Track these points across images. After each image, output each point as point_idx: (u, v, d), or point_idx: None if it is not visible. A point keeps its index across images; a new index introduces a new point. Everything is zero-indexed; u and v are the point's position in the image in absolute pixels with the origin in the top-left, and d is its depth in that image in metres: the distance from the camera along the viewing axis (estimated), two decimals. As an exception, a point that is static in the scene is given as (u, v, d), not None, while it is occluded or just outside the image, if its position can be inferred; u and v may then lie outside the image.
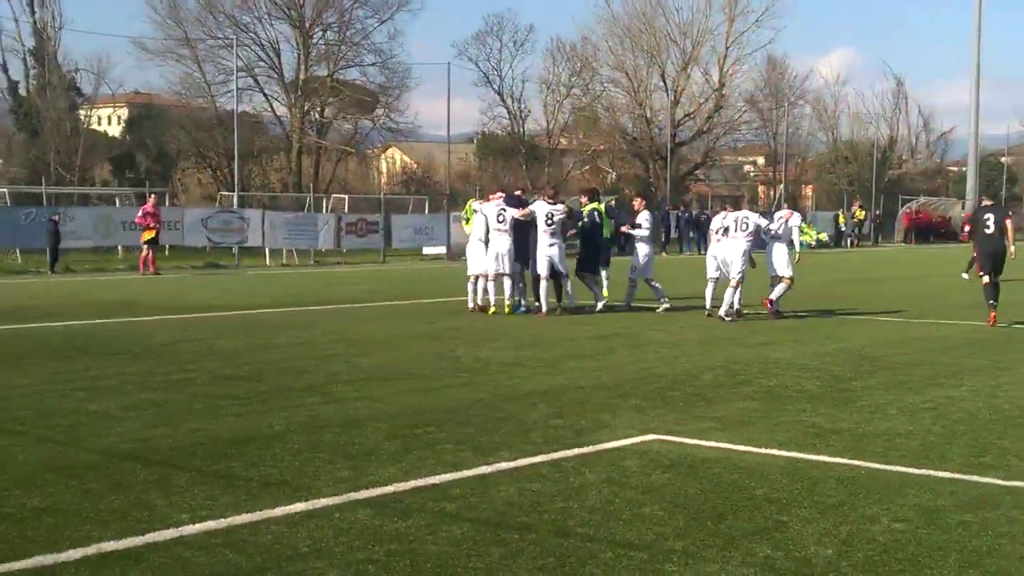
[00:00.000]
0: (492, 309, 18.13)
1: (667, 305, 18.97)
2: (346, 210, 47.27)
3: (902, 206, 64.13)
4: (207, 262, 35.96)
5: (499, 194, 19.27)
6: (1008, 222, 17.40)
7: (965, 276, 24.36)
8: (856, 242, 59.15)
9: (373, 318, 17.94)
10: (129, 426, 8.87)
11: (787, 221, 18.05)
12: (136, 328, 16.29)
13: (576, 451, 7.97)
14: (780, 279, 17.80)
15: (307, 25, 54.45)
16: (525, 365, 12.40)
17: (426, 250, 43.29)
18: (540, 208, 18.46)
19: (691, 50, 65.41)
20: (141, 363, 12.44)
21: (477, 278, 18.53)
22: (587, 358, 12.95)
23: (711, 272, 18.19)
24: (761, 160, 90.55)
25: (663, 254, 46.15)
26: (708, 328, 16.33)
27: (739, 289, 17.64)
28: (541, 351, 13.59)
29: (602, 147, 70.21)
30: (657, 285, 19.24)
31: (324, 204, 48.65)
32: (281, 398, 10.21)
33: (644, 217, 19.48)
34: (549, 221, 18.35)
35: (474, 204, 19.43)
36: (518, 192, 21.08)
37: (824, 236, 56.52)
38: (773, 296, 17.84)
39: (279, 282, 28.11)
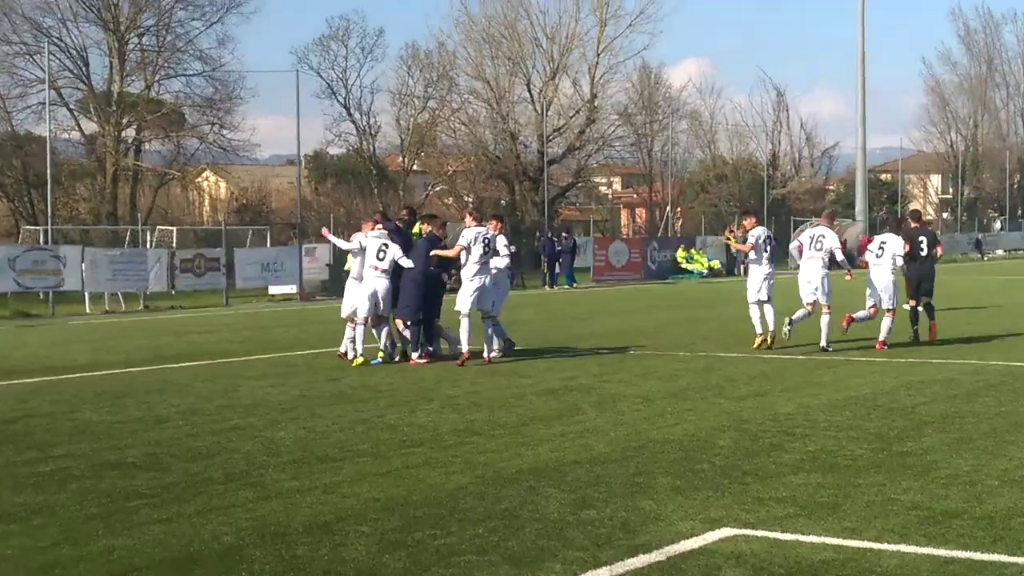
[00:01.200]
0: (358, 359, 17.33)
1: None
2: (174, 244, 45.13)
3: (793, 228, 64.75)
4: (14, 310, 33.53)
5: (376, 222, 18.40)
6: (939, 247, 18.75)
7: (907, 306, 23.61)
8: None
9: (255, 376, 16.46)
10: (18, 546, 7.26)
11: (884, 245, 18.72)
12: (-38, 399, 14.42)
13: (647, 558, 6.76)
14: (882, 310, 18.64)
15: (122, 28, 52.03)
16: (485, 433, 11.16)
17: (273, 289, 41.49)
18: (469, 234, 17.48)
19: (559, 57, 65.12)
20: (-10, 449, 10.73)
21: (352, 321, 17.76)
22: (555, 421, 11.80)
23: (807, 296, 18.49)
24: (617, 183, 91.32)
25: (552, 288, 45.33)
26: (665, 376, 15.35)
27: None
28: (492, 414, 12.38)
29: (460, 167, 69.28)
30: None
31: (147, 238, 46.38)
32: (203, 494, 8.72)
33: (756, 234, 19.31)
34: (486, 249, 17.47)
35: (358, 235, 18.15)
36: (402, 218, 19.71)
37: (716, 263, 56.59)
38: (882, 335, 18.56)
39: (111, 333, 26.17)
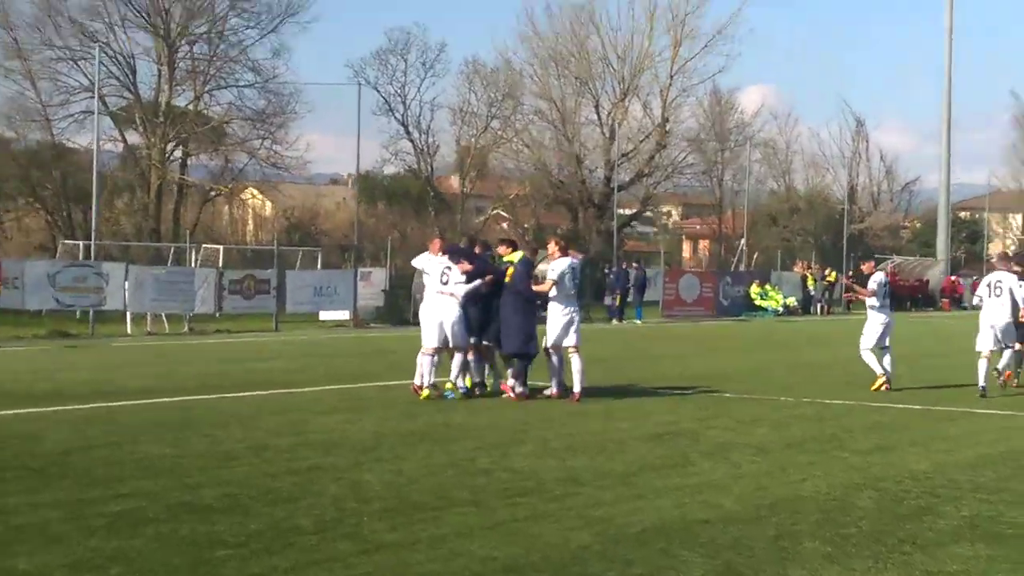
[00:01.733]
0: (425, 392, 17.07)
1: None
2: (220, 264, 44.93)
3: (862, 264, 63.99)
4: (51, 329, 33.38)
5: (437, 243, 18.16)
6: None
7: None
8: (828, 308, 58.58)
9: (325, 410, 16.00)
10: (100, 601, 6.79)
11: None
12: (6, 429, 14.03)
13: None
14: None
15: (173, 35, 52.10)
16: (592, 483, 10.62)
17: (324, 315, 41.20)
18: (560, 265, 17.20)
19: (630, 78, 64.65)
20: (51, 486, 10.30)
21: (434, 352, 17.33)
22: (667, 471, 11.25)
23: (986, 345, 18.69)
24: (675, 212, 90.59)
25: (621, 322, 44.74)
26: (774, 424, 14.79)
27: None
28: (594, 461, 11.85)
29: (521, 191, 68.93)
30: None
31: (191, 256, 46.25)
32: (294, 546, 8.25)
33: (877, 280, 19.77)
34: (575, 281, 17.31)
35: (423, 256, 18.04)
36: (464, 243, 19.35)
37: (792, 301, 55.82)
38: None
39: (159, 358, 25.89)
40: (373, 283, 42.25)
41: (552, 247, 17.82)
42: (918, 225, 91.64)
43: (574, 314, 17.33)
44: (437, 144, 64.64)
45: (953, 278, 67.96)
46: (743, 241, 61.93)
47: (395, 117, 62.40)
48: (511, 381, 17.25)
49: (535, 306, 17.46)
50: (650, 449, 12.68)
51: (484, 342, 17.70)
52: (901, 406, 17.06)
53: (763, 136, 77.26)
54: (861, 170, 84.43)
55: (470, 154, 63.95)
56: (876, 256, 65.12)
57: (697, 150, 71.55)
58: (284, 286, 39.34)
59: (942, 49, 76.01)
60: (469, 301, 17.36)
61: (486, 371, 17.96)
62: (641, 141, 65.91)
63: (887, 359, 19.23)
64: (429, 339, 17.29)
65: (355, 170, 47.37)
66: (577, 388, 17.03)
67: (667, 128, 66.84)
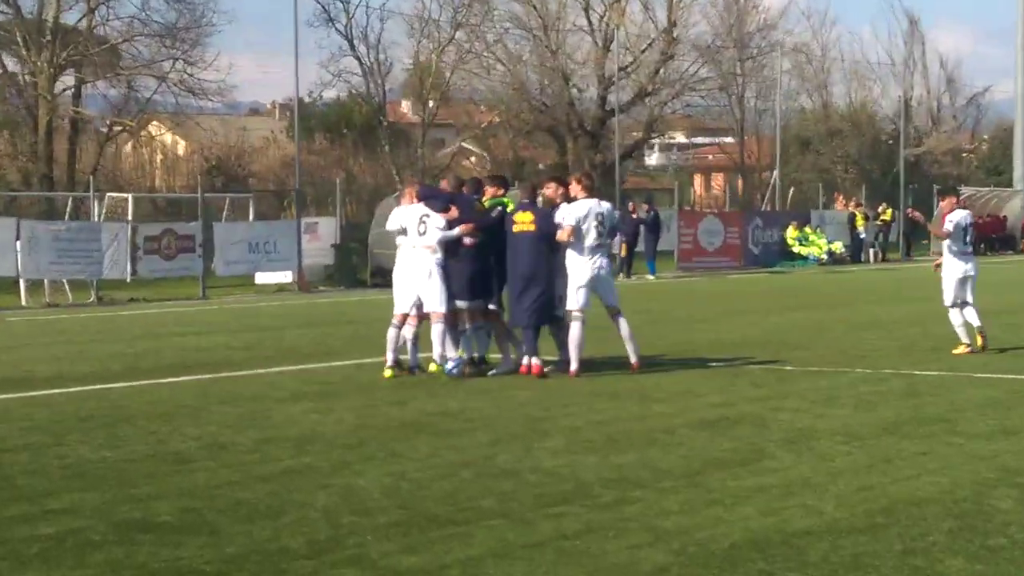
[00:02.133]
0: (387, 372, 17.19)
1: None
2: (130, 217, 44.31)
3: (940, 200, 63.69)
4: (-73, 302, 32.98)
5: (411, 191, 18.01)
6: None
7: None
8: (882, 255, 58.55)
9: (287, 397, 15.78)
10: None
11: None
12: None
13: None
14: None
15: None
16: (651, 486, 10.35)
17: (262, 277, 40.84)
18: (580, 208, 16.94)
19: (630, -29, 64.18)
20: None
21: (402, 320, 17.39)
22: (739, 468, 11.02)
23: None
24: (684, 139, 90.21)
25: (630, 278, 44.48)
26: (857, 403, 14.65)
27: None
28: (644, 456, 11.60)
29: (494, 118, 68.39)
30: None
31: (94, 208, 45.61)
32: (288, 574, 7.91)
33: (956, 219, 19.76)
34: (601, 229, 17.12)
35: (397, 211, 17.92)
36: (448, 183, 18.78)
37: (838, 247, 55.75)
38: None
39: (69, 334, 25.60)
40: (320, 236, 41.91)
41: (576, 187, 17.45)
42: (984, 148, 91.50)
43: (600, 269, 17.12)
44: (390, 62, 63.93)
45: (1039, 212, 67.81)
46: (775, 173, 61.66)
47: (336, 29, 61.53)
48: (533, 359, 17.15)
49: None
50: (710, 440, 12.39)
51: (490, 306, 17.59)
52: (1013, 376, 16.82)
53: (793, 41, 76.70)
54: (916, 81, 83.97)
55: (431, 73, 63.23)
56: (938, 187, 65.08)
57: (711, 60, 71.04)
58: (211, 243, 38.91)
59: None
60: (463, 257, 17.09)
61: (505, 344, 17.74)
62: (643, 51, 65.34)
63: (972, 315, 19.35)
64: (399, 305, 17.31)
65: (294, 94, 46.72)
66: (633, 358, 17.27)
67: (674, 34, 66.38)
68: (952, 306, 19.43)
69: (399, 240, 17.63)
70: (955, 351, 19.20)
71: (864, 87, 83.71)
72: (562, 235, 16.94)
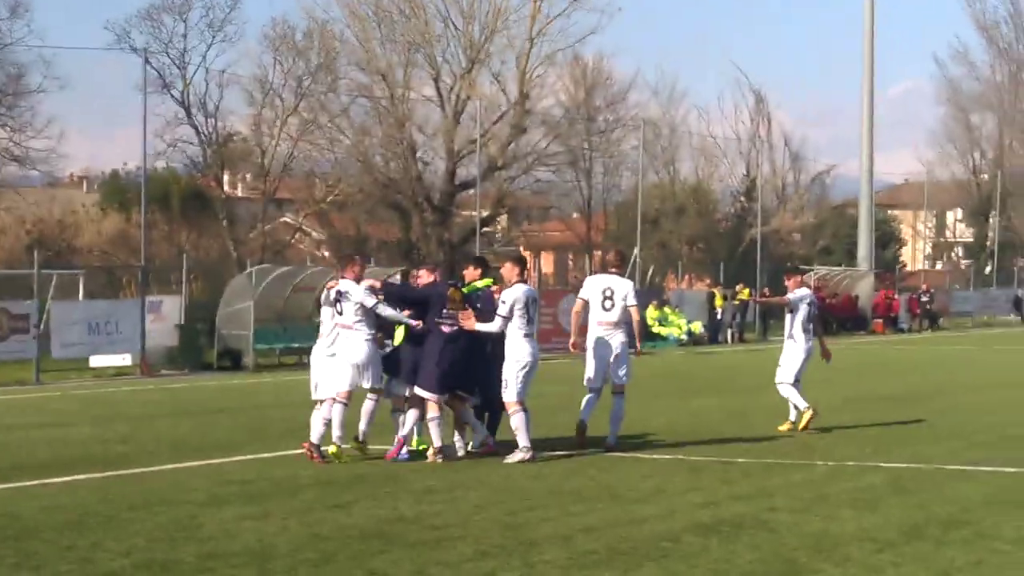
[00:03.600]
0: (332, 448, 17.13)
1: None
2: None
3: (785, 279, 63.80)
4: None
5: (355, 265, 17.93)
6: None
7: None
8: (739, 335, 58.26)
9: (205, 501, 14.33)
10: None
11: None
12: None
13: None
14: None
15: None
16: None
17: (97, 360, 38.79)
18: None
19: (479, 42, 63.39)
20: None
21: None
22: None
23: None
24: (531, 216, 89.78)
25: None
26: (853, 502, 13.77)
27: None
28: (664, 569, 10.41)
29: (337, 194, 66.80)
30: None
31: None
32: None
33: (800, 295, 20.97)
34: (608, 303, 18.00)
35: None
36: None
37: (697, 327, 55.32)
38: None
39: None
40: (165, 316, 40.02)
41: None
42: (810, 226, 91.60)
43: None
44: (228, 130, 62.24)
45: (887, 293, 68.25)
46: (636, 250, 61.10)
47: (172, 96, 59.78)
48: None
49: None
50: (727, 549, 11.29)
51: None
52: (988, 468, 16.04)
53: (641, 116, 76.63)
54: (762, 158, 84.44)
55: (273, 145, 61.70)
56: (802, 266, 65.13)
57: (561, 134, 70.53)
58: (48, 323, 36.90)
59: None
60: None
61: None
62: (495, 123, 64.49)
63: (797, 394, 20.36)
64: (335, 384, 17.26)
65: (142, 164, 44.68)
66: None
67: (527, 107, 65.75)
68: (794, 382, 20.28)
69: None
70: (801, 426, 19.98)
71: (711, 164, 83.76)
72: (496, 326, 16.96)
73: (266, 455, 18.22)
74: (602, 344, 17.99)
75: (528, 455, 16.62)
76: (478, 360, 17.28)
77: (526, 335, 16.87)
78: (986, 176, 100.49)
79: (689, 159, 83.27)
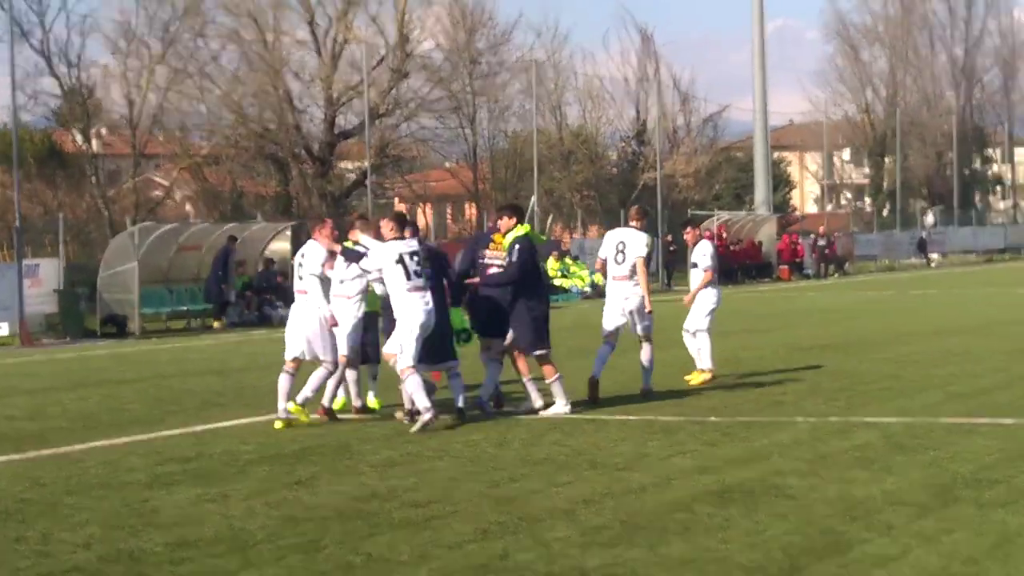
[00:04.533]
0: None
1: None
2: None
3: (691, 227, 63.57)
4: None
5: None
6: None
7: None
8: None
9: (151, 482, 13.60)
10: None
11: None
12: None
13: None
14: None
15: None
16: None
17: (-33, 329, 37.57)
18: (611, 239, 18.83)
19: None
20: None
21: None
22: (835, 556, 9.36)
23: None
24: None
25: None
26: (853, 458, 13.28)
27: None
28: (691, 545, 9.92)
29: (206, 149, 65.42)
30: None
31: None
32: None
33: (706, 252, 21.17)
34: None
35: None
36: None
37: (600, 278, 54.73)
38: None
39: None
40: (42, 280, 38.77)
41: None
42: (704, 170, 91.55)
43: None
44: (92, 83, 60.59)
45: (792, 237, 68.31)
46: (533, 199, 60.55)
47: (31, 46, 57.96)
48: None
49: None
50: (750, 519, 10.75)
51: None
52: (983, 421, 15.71)
53: (525, 60, 75.94)
54: (652, 101, 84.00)
55: (141, 96, 60.19)
56: (695, 213, 65.03)
57: (443, 79, 69.77)
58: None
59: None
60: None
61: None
62: (374, 68, 63.45)
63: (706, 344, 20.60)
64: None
65: (12, 117, 43.25)
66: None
67: (408, 50, 64.88)
68: (703, 331, 20.54)
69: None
70: (697, 381, 20.26)
71: (599, 107, 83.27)
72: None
73: (194, 428, 17.55)
74: (616, 297, 18.69)
75: (429, 415, 16.18)
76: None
77: (411, 290, 16.42)
78: (881, 115, 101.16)
79: (576, 103, 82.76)
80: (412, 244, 16.61)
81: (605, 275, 19.13)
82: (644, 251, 18.61)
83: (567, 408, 17.27)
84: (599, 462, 13.71)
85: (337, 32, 63.58)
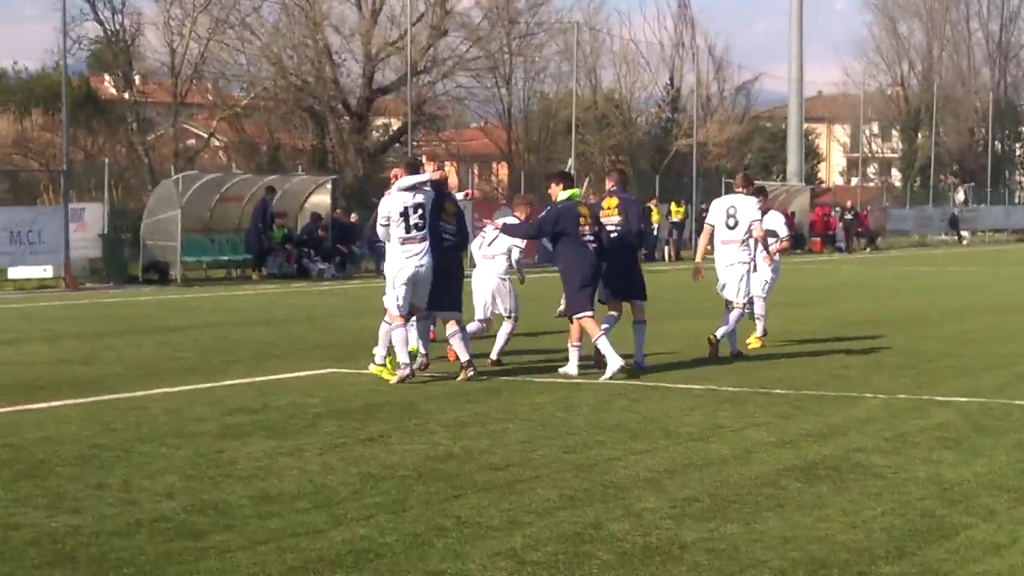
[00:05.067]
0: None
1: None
2: None
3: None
4: None
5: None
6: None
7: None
8: (674, 254, 57.69)
9: (221, 432, 13.41)
10: None
11: None
12: None
13: None
14: None
15: None
16: (865, 569, 8.40)
17: (16, 272, 37.45)
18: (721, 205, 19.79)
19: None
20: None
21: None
22: (942, 541, 9.18)
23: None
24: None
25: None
26: (934, 438, 13.08)
27: None
28: (788, 522, 9.65)
29: (245, 102, 65.01)
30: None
31: None
32: None
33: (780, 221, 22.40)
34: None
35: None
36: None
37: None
38: None
39: None
40: (87, 224, 38.66)
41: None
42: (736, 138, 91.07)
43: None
44: (136, 29, 60.26)
45: (824, 210, 67.91)
46: (571, 161, 60.19)
47: (75, -11, 57.59)
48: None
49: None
50: (841, 497, 10.52)
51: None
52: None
53: (564, 22, 75.43)
54: (686, 67, 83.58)
55: (184, 46, 59.83)
56: (727, 181, 64.46)
57: (481, 40, 69.34)
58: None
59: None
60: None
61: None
62: (414, 24, 62.98)
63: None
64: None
65: (62, 54, 42.95)
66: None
67: (447, 7, 64.45)
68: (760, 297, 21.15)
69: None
70: (759, 344, 21.05)
71: (633, 72, 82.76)
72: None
73: (254, 379, 17.38)
74: (728, 261, 19.43)
75: (407, 371, 16.65)
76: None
77: (405, 241, 16.78)
78: (916, 89, 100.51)
79: (611, 66, 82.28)
80: (419, 197, 16.81)
81: (711, 243, 19.69)
82: (758, 215, 19.45)
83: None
84: (672, 431, 13.45)
85: (377, -13, 63.23)
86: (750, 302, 20.09)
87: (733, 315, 19.38)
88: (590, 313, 17.38)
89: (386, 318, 17.04)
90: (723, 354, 19.33)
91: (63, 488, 10.70)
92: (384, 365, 17.12)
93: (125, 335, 23.42)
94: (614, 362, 17.06)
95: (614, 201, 18.22)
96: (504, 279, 19.15)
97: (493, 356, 18.67)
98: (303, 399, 15.50)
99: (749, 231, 19.33)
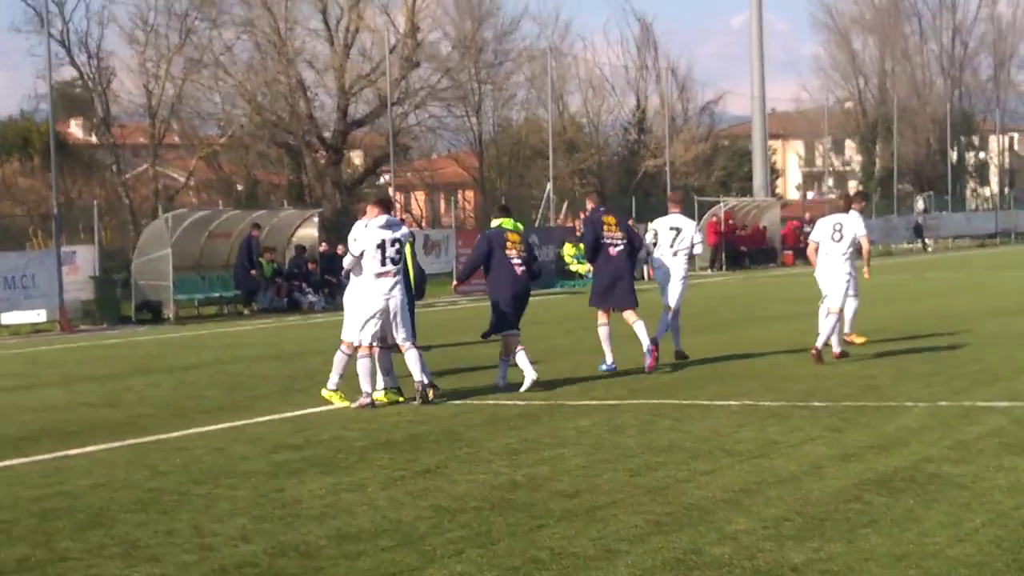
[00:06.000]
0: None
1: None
2: None
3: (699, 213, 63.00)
4: None
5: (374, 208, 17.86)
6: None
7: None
8: (651, 271, 57.12)
9: (272, 471, 12.87)
10: None
11: None
12: None
13: None
14: None
15: None
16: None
17: (9, 317, 36.76)
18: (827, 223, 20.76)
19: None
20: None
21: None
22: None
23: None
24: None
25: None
26: (995, 445, 12.61)
27: None
28: (886, 539, 9.19)
29: (223, 140, 64.33)
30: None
31: None
32: None
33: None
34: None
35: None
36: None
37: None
38: None
39: None
40: (79, 267, 37.99)
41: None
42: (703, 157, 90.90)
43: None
44: (111, 72, 59.53)
45: (796, 224, 67.52)
46: (549, 186, 59.84)
47: (52, 36, 56.83)
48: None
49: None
50: (934, 510, 10.10)
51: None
52: None
53: (532, 50, 75.17)
54: (651, 88, 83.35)
55: (160, 87, 59.15)
56: (701, 200, 64.30)
57: (451, 70, 68.98)
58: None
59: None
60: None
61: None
62: (389, 53, 62.49)
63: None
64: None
65: (49, 97, 42.35)
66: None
67: (418, 39, 64.03)
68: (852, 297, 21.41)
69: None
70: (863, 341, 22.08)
71: (599, 96, 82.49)
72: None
73: (284, 414, 16.89)
74: (830, 270, 20.37)
75: (368, 400, 16.97)
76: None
77: (379, 275, 16.99)
78: (873, 102, 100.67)
79: (577, 91, 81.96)
80: (396, 232, 17.05)
81: (815, 258, 20.69)
82: (864, 230, 20.64)
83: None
84: (730, 449, 13.02)
85: (349, 21, 62.73)
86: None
87: (830, 321, 20.13)
88: (514, 332, 18.23)
89: (343, 347, 17.21)
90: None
91: (133, 536, 10.21)
92: (336, 391, 17.24)
93: (138, 376, 22.83)
94: (530, 376, 17.91)
95: (612, 219, 19.78)
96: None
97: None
98: (343, 432, 15.03)
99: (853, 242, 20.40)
